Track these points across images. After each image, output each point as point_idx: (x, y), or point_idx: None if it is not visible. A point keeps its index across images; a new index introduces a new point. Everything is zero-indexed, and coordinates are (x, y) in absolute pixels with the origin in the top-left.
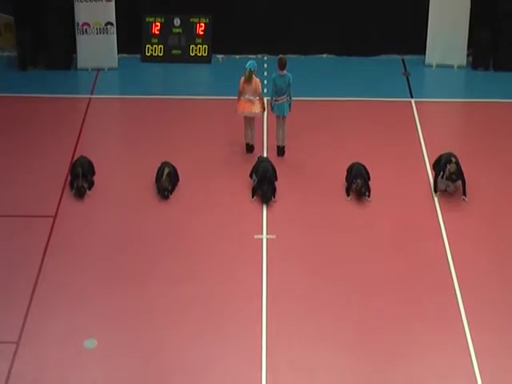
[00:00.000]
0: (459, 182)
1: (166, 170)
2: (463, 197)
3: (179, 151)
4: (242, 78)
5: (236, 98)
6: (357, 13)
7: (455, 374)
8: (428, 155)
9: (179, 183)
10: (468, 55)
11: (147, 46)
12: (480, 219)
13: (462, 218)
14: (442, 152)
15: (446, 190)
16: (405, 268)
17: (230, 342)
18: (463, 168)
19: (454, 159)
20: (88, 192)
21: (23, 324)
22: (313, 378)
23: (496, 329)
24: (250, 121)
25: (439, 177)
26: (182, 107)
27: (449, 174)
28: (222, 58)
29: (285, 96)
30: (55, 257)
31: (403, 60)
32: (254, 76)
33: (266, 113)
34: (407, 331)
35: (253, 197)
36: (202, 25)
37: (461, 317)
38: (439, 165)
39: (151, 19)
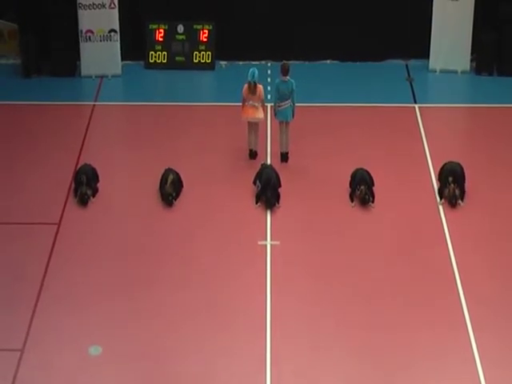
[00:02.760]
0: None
1: (170, 177)
2: (459, 201)
3: (183, 158)
4: (246, 87)
5: (240, 104)
6: (360, 18)
7: (460, 380)
8: (432, 161)
9: (183, 190)
10: (472, 60)
11: (151, 52)
12: (485, 225)
13: (466, 223)
14: (446, 157)
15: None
16: (409, 274)
17: (235, 347)
18: (467, 173)
19: (451, 178)
20: (92, 199)
21: (28, 331)
22: (315, 379)
23: (501, 335)
24: (253, 127)
25: (444, 189)
26: (186, 114)
27: (449, 198)
28: (226, 65)
29: (288, 102)
30: (59, 264)
31: (407, 65)
32: (257, 83)
33: (269, 119)
34: (412, 337)
35: (257, 203)
36: (206, 31)
37: (465, 323)
38: (442, 177)
39: (155, 26)
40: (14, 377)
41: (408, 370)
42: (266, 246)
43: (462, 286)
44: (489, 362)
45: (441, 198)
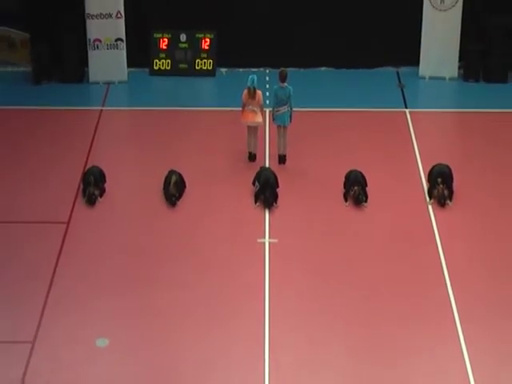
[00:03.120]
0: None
1: (174, 179)
2: (447, 201)
3: (185, 160)
4: (246, 92)
5: (240, 109)
6: (354, 28)
7: (449, 371)
8: (422, 162)
9: (186, 190)
10: (459, 68)
11: (155, 60)
12: (472, 224)
13: (454, 222)
14: (435, 160)
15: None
16: (400, 270)
17: (235, 339)
18: (455, 175)
19: (440, 179)
20: (99, 199)
21: (38, 324)
22: (313, 374)
23: (487, 327)
24: (253, 130)
25: (433, 190)
26: (188, 118)
27: (438, 198)
28: (226, 72)
29: (286, 107)
30: (68, 260)
31: (398, 72)
32: (256, 89)
33: (267, 123)
34: (403, 329)
35: (256, 202)
36: (207, 40)
37: (453, 316)
38: (431, 178)
39: (159, 35)
40: (26, 367)
41: (401, 361)
42: (264, 243)
43: (450, 281)
44: (476, 353)
45: (430, 198)
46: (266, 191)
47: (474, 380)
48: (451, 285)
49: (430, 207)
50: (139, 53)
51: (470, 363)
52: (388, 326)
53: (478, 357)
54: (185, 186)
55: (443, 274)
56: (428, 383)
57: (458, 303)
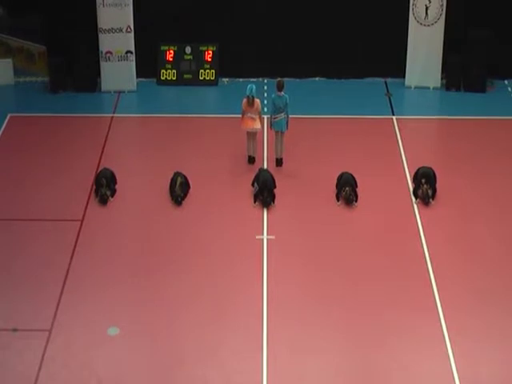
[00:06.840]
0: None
1: (179, 180)
2: (430, 199)
3: (190, 163)
4: (245, 101)
5: (240, 116)
6: (346, 42)
7: (430, 351)
8: (408, 165)
9: (190, 191)
10: (442, 78)
11: (162, 70)
12: (453, 219)
13: (437, 219)
14: (420, 163)
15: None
16: (387, 261)
17: (235, 327)
18: (438, 175)
19: (424, 180)
20: (111, 199)
21: (55, 314)
22: (310, 356)
23: (466, 309)
24: (252, 136)
25: (418, 190)
26: (193, 124)
27: (422, 197)
28: (227, 81)
29: (282, 114)
30: (82, 255)
31: (385, 82)
32: (255, 98)
33: (265, 129)
34: (391, 314)
35: (254, 202)
36: (210, 52)
37: (435, 300)
38: (416, 179)
39: (165, 47)
40: (43, 353)
41: (389, 341)
42: (262, 239)
43: (432, 270)
44: (455, 332)
45: (416, 198)
46: (264, 192)
47: (453, 354)
48: (433, 273)
49: (415, 206)
50: (147, 64)
51: (450, 340)
52: (375, 312)
53: (457, 335)
54: (189, 187)
55: (426, 264)
56: (413, 359)
57: (440, 289)
